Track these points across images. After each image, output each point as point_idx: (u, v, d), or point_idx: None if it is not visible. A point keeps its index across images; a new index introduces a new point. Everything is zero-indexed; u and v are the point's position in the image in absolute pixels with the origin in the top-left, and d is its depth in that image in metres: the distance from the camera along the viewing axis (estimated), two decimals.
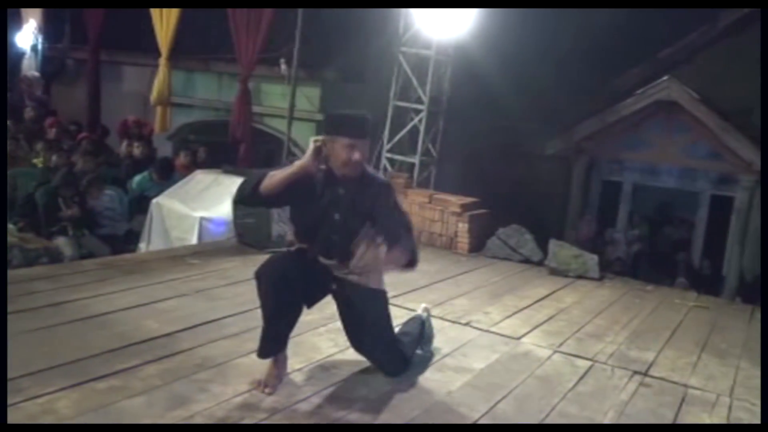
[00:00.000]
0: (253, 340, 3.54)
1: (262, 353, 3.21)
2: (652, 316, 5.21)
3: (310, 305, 3.34)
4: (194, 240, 6.07)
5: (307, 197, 3.17)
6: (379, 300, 3.40)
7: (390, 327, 3.45)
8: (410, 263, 3.39)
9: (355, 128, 3.14)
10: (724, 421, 3.39)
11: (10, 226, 6.61)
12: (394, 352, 3.45)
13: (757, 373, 4.13)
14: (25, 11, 10.77)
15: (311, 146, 3.07)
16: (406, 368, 3.50)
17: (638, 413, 3.36)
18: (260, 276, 3.15)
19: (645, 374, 3.89)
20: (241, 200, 3.28)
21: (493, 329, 4.41)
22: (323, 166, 3.16)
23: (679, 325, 5.02)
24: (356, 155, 3.10)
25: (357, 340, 3.42)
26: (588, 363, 3.98)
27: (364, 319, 3.33)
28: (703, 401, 3.61)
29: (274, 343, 3.22)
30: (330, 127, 3.17)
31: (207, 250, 5.66)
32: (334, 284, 3.32)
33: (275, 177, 3.05)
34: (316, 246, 3.26)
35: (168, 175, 7.40)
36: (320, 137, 3.13)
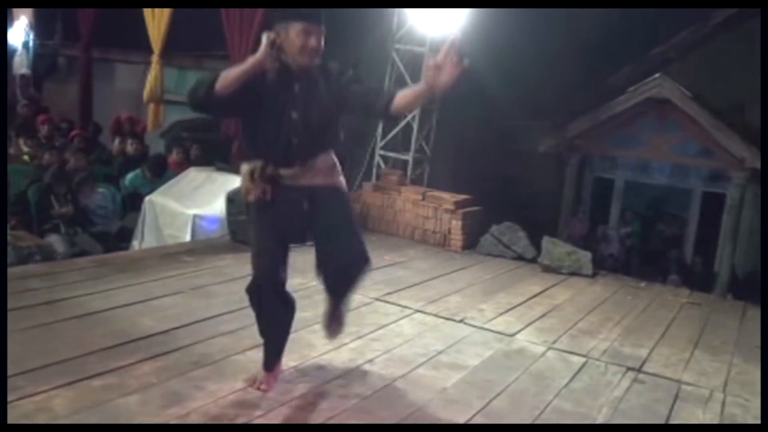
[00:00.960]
0: (250, 337, 3.57)
1: (270, 366, 3.17)
2: (645, 312, 5.24)
3: (303, 242, 3.18)
4: (188, 237, 6.06)
5: (261, 99, 2.93)
6: (348, 198, 3.24)
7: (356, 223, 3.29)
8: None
9: (310, 13, 2.90)
10: (717, 417, 3.42)
11: None
12: (363, 244, 3.20)
13: (750, 368, 4.17)
14: (14, 9, 10.70)
15: (264, 39, 2.82)
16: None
17: (632, 409, 3.38)
18: (251, 294, 3.08)
19: (638, 370, 3.91)
20: (196, 103, 2.88)
21: (487, 326, 4.42)
22: (276, 64, 2.91)
23: (672, 321, 5.05)
24: (312, 41, 2.87)
25: (331, 245, 3.09)
26: (582, 359, 4.00)
27: (341, 219, 3.11)
28: (697, 397, 3.64)
29: (278, 354, 3.20)
30: (283, 15, 2.92)
31: (200, 248, 5.65)
32: (306, 203, 3.03)
33: (230, 74, 2.82)
34: (275, 153, 2.99)
35: (161, 172, 7.38)
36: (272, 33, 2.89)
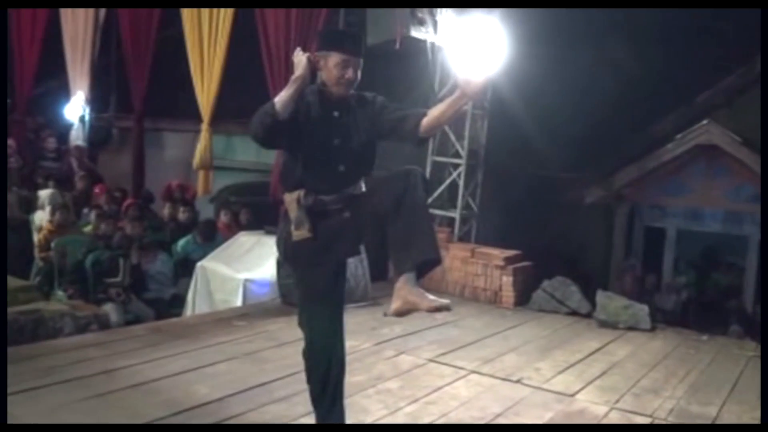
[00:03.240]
0: (302, 403, 3.51)
1: None
2: (711, 367, 5.01)
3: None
4: (239, 302, 6.07)
5: (305, 120, 2.92)
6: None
7: None
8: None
9: (350, 44, 2.94)
10: None
11: (60, 293, 6.74)
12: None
13: None
14: (73, 84, 11.18)
15: (302, 59, 2.87)
16: None
17: None
18: (309, 359, 3.05)
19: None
20: (265, 132, 2.84)
21: (545, 386, 4.28)
22: (314, 85, 2.97)
23: (739, 376, 4.81)
24: (349, 72, 2.91)
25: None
26: (647, 419, 3.82)
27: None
28: None
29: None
30: (323, 43, 2.98)
31: (252, 312, 5.66)
32: (346, 212, 2.98)
33: (282, 98, 2.83)
34: (321, 181, 2.95)
35: (211, 236, 7.48)
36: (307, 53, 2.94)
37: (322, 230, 2.96)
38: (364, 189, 2.99)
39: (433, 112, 2.92)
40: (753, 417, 3.98)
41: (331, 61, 2.91)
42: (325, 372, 3.00)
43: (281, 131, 2.86)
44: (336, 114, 2.99)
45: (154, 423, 3.25)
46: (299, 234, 2.95)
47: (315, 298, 3.04)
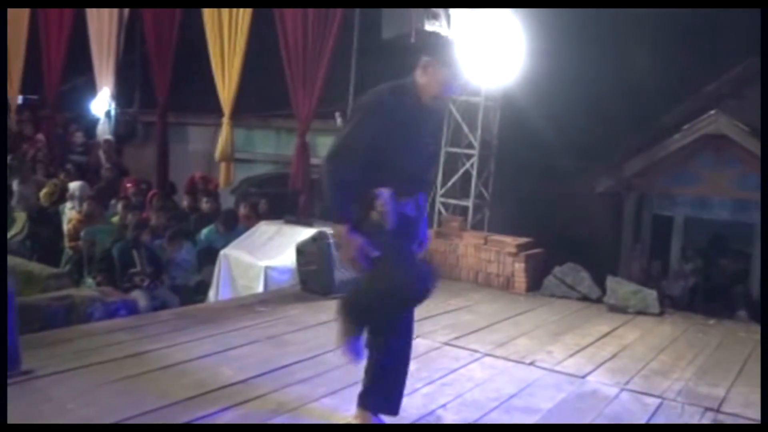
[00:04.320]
0: (325, 384, 3.56)
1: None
2: (718, 350, 5.00)
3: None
4: (260, 288, 6.12)
5: (401, 130, 2.89)
6: None
7: None
8: None
9: (460, 66, 2.98)
10: None
11: (89, 281, 6.83)
12: None
13: None
14: (99, 80, 11.27)
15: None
16: None
17: None
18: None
19: (717, 410, 3.71)
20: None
21: (557, 368, 4.29)
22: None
23: (747, 358, 4.79)
24: (447, 90, 2.95)
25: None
26: (657, 400, 3.82)
27: None
28: None
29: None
30: (441, 53, 2.98)
31: (273, 298, 5.70)
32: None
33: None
34: (411, 184, 2.96)
35: (233, 226, 7.54)
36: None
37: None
38: None
39: None
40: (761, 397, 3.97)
41: (444, 74, 2.88)
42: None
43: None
44: (426, 116, 2.98)
45: (184, 401, 3.29)
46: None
47: None
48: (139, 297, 5.87)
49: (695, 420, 3.56)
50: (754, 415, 3.68)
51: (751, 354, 4.92)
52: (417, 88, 2.92)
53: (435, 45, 3.11)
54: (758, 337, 5.45)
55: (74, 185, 8.75)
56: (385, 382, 3.05)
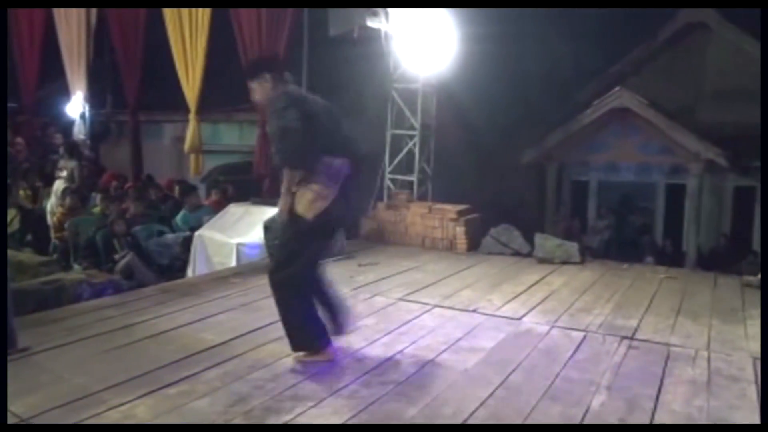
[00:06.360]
0: None
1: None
2: (631, 289, 5.17)
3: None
4: (233, 263, 6.04)
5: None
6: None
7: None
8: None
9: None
10: (705, 371, 3.35)
11: (76, 267, 6.62)
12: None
13: (728, 328, 4.11)
14: (72, 85, 10.82)
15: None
16: None
17: (631, 371, 3.32)
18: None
19: (632, 338, 3.85)
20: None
21: (497, 313, 4.37)
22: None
23: (654, 294, 4.98)
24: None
25: None
26: (582, 334, 3.94)
27: None
28: (685, 357, 3.57)
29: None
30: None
31: (245, 271, 5.62)
32: None
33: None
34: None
35: (197, 204, 7.43)
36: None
37: None
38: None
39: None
40: (667, 325, 4.14)
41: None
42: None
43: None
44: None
45: (171, 364, 3.25)
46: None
47: None
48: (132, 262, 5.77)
49: (614, 347, 3.69)
50: (661, 339, 3.84)
51: (657, 291, 5.12)
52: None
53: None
54: (663, 276, 5.67)
55: (56, 184, 8.48)
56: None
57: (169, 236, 6.90)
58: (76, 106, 10.93)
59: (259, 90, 3.34)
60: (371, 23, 6.72)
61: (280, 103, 3.17)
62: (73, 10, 10.26)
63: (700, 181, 8.99)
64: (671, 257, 8.64)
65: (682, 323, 4.20)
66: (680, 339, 3.86)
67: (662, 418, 2.80)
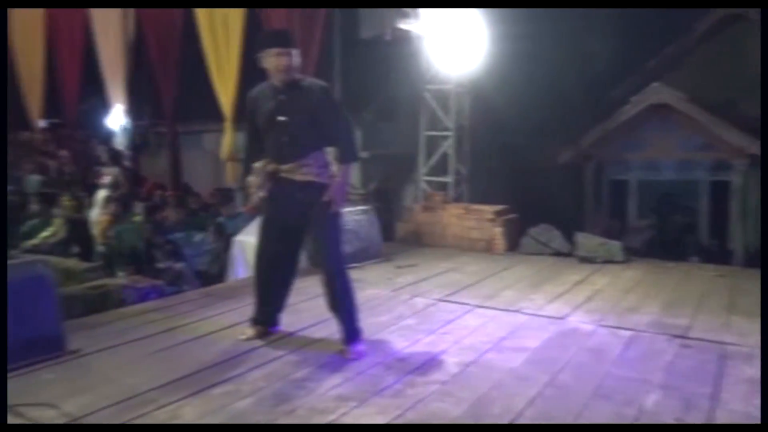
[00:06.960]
0: (337, 343, 3.51)
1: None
2: (679, 288, 5.01)
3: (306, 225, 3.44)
4: None
5: (259, 112, 3.35)
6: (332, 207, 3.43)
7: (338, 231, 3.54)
8: (351, 159, 3.42)
9: (281, 39, 3.29)
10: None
11: (120, 274, 6.74)
12: (339, 257, 3.58)
13: None
14: (111, 97, 11.10)
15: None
16: None
17: (685, 370, 3.20)
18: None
19: (684, 337, 3.72)
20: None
21: (540, 313, 4.28)
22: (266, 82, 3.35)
23: (705, 292, 4.81)
24: (283, 60, 3.22)
25: (318, 247, 3.52)
26: (630, 332, 3.82)
27: (324, 224, 3.39)
28: (741, 355, 3.43)
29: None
30: (260, 45, 3.30)
31: None
32: (299, 194, 3.37)
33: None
34: (272, 151, 3.34)
35: (234, 212, 7.50)
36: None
37: (278, 193, 3.41)
38: (321, 162, 3.37)
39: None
40: (719, 323, 3.99)
41: (269, 57, 3.26)
42: None
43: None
44: (282, 97, 3.30)
45: (215, 365, 3.26)
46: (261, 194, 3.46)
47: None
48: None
49: (665, 346, 3.56)
50: (715, 337, 3.69)
51: (707, 289, 4.94)
52: (270, 78, 3.35)
53: (257, 41, 3.37)
54: (711, 274, 5.48)
55: (99, 194, 8.67)
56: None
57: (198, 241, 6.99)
58: (116, 119, 11.19)
59: (294, 59, 3.29)
60: (403, 25, 6.70)
61: (333, 94, 3.39)
62: (110, 25, 10.53)
63: (745, 176, 8.68)
64: (717, 257, 8.36)
65: (736, 321, 4.04)
66: (735, 337, 3.70)
67: (721, 417, 2.68)
